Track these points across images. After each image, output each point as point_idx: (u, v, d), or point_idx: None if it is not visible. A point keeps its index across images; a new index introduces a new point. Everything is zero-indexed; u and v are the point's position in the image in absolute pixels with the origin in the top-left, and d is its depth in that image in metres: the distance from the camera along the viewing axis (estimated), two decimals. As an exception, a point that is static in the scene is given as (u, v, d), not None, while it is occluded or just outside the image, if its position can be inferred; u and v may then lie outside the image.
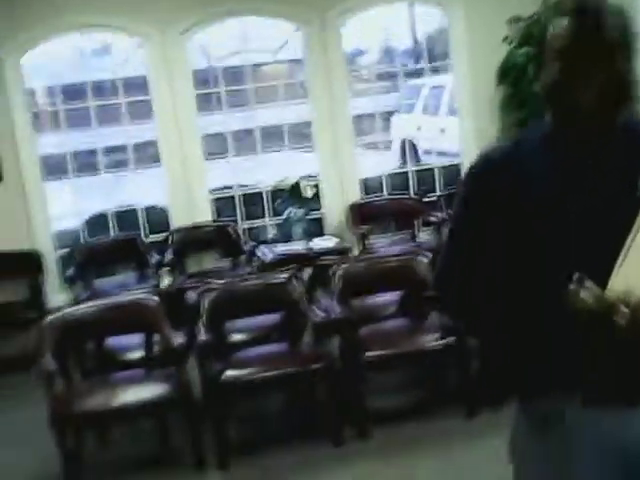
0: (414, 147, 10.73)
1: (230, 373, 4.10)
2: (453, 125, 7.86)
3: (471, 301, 1.86)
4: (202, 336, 4.19)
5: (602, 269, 1.62)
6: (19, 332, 5.53)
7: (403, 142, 10.90)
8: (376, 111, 7.36)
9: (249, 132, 7.07)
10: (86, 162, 7.00)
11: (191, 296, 4.66)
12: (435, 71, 8.55)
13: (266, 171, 6.85)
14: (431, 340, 4.34)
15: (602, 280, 1.61)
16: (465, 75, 6.77)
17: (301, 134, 7.38)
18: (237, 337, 4.64)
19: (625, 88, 1.72)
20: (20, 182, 6.18)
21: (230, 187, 6.91)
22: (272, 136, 7.31)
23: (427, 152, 10.16)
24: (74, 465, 4.03)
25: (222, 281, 4.58)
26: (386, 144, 10.94)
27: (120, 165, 7.19)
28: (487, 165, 1.85)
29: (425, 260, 4.60)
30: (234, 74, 7.24)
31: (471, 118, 6.75)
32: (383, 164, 7.60)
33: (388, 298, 4.85)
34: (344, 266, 4.58)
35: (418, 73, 11.19)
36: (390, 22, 9.87)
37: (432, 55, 7.94)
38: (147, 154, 7.03)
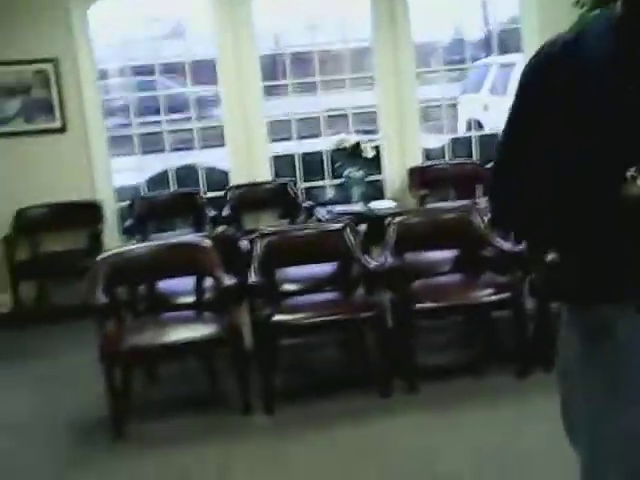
0: (480, 127, 10.57)
1: (279, 317, 4.06)
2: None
3: (527, 201, 1.78)
4: (253, 279, 4.16)
5: None
6: (78, 280, 5.59)
7: (469, 122, 10.75)
8: (443, 98, 7.20)
9: (314, 117, 6.96)
10: (152, 142, 7.01)
11: (245, 244, 4.64)
12: (504, 51, 8.39)
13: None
14: (484, 295, 4.25)
15: None
16: (536, 47, 6.61)
17: (366, 120, 7.29)
18: (290, 286, 4.62)
19: None
20: (84, 133, 6.25)
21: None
22: (336, 121, 7.21)
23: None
24: (122, 403, 4.06)
25: (276, 228, 4.54)
26: (452, 128, 10.80)
27: (185, 142, 7.17)
28: (546, 57, 1.77)
29: (483, 217, 4.50)
30: (301, 60, 7.22)
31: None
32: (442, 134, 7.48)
33: (443, 255, 4.77)
34: (399, 219, 4.51)
35: (486, 52, 11.05)
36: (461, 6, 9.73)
37: (502, 32, 7.78)
38: (212, 133, 7.00)
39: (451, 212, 4.72)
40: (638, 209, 1.58)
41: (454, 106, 10.07)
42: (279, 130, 7.07)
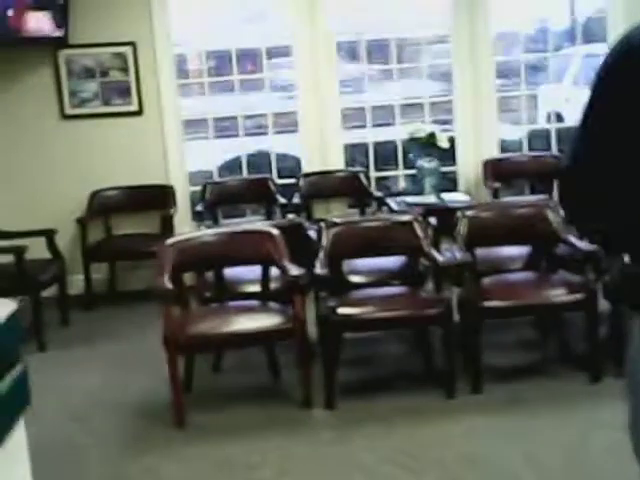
0: (561, 119, 10.30)
1: (344, 310, 4.00)
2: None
3: (611, 188, 1.66)
4: (319, 270, 4.11)
5: None
6: (149, 263, 5.63)
7: (549, 114, 10.47)
8: (523, 89, 6.98)
9: (389, 105, 6.82)
10: (226, 126, 6.97)
11: (313, 233, 4.59)
12: (589, 41, 8.14)
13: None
14: (557, 295, 4.11)
15: None
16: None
17: (441, 109, 7.15)
18: (356, 278, 4.55)
19: None
20: (159, 116, 6.28)
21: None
22: (411, 110, 7.05)
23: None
24: (184, 391, 4.07)
25: (345, 218, 4.47)
26: (531, 120, 10.53)
27: (260, 128, 7.13)
28: (632, 40, 1.65)
29: (558, 213, 4.37)
30: (378, 48, 7.11)
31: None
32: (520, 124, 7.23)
33: (514, 251, 4.65)
34: (470, 212, 4.39)
35: (571, 43, 10.74)
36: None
37: (588, 22, 7.53)
38: (285, 122, 6.94)
39: (525, 207, 4.57)
40: None
41: (534, 97, 9.81)
42: (353, 118, 6.98)
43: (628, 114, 1.63)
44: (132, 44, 6.18)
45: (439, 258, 4.16)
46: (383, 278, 4.53)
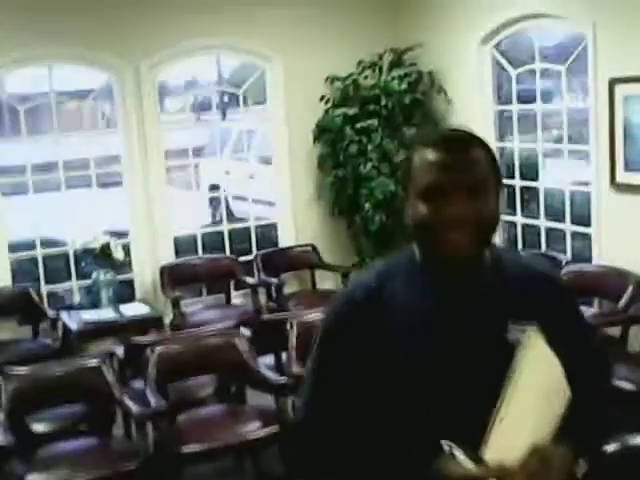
0: (223, 193, 10.49)
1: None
2: (263, 172, 7.73)
3: (337, 456, 1.68)
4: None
5: (468, 424, 1.52)
6: None
7: (212, 188, 10.61)
8: (187, 147, 7.02)
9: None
10: None
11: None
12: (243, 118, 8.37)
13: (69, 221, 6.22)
14: (252, 430, 4.07)
15: (468, 438, 1.51)
16: (281, 125, 6.58)
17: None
18: (41, 427, 4.18)
19: (494, 223, 1.65)
20: None
21: (32, 244, 6.26)
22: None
23: (237, 198, 9.94)
24: None
25: (24, 370, 4.09)
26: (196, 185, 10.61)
27: None
28: (348, 306, 1.71)
29: (246, 334, 4.42)
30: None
31: (285, 169, 6.61)
32: (195, 216, 7.16)
33: (206, 380, 4.59)
34: (160, 348, 4.25)
35: (230, 115, 10.99)
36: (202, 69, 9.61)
37: (247, 100, 7.75)
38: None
39: (214, 334, 4.52)
40: None
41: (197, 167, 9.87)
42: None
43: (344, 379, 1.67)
44: None
45: (128, 408, 3.97)
46: (70, 425, 4.21)
